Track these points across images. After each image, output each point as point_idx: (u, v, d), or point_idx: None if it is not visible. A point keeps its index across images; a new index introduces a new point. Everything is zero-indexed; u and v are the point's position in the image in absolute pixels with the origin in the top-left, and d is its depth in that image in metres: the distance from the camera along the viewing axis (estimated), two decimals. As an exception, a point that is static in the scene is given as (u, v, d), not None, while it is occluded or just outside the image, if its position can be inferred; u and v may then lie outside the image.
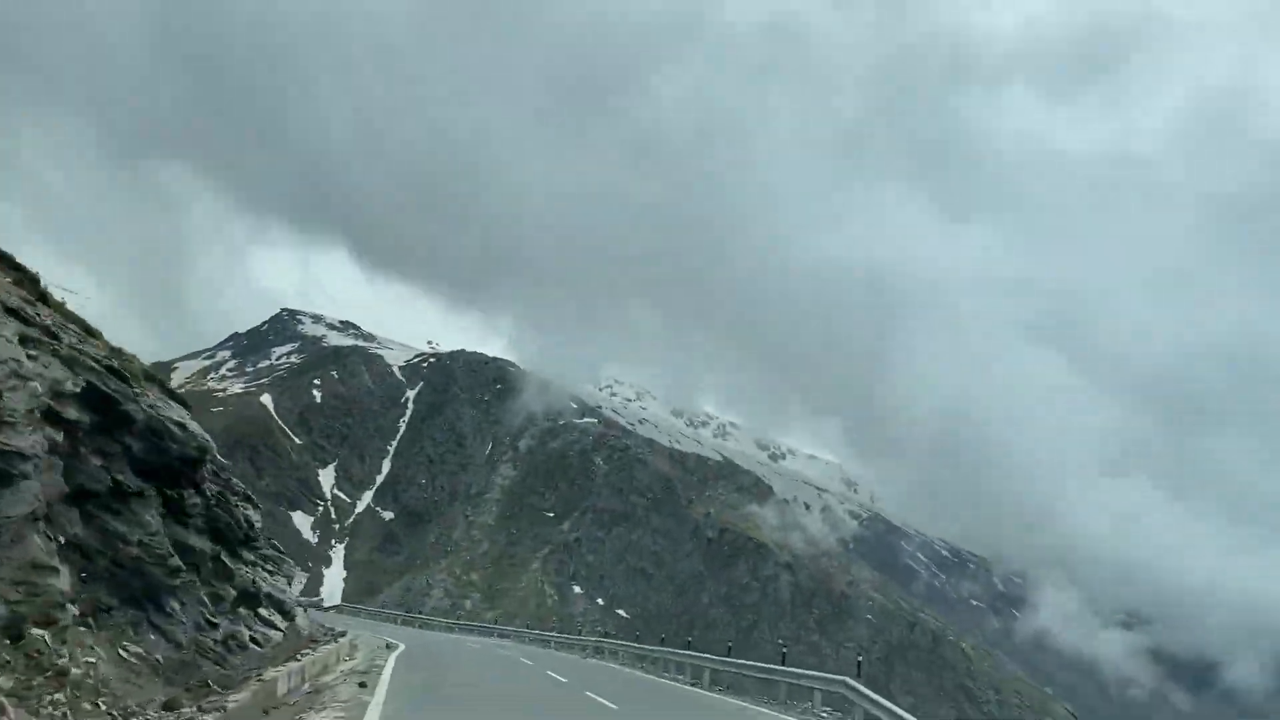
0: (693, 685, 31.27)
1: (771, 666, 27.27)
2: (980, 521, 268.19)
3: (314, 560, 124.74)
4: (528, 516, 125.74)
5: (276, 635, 19.76)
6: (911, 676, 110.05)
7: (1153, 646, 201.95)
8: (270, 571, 22.50)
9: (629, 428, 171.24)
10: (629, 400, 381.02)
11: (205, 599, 15.18)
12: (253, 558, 20.41)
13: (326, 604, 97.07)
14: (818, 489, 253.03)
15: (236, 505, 19.58)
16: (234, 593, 17.01)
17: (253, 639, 17.25)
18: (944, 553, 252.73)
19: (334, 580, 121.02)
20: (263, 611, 19.63)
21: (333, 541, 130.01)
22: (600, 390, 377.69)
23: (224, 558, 16.81)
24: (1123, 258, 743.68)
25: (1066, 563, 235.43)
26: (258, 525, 21.04)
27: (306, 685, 17.39)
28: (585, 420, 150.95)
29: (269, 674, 15.26)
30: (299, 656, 18.96)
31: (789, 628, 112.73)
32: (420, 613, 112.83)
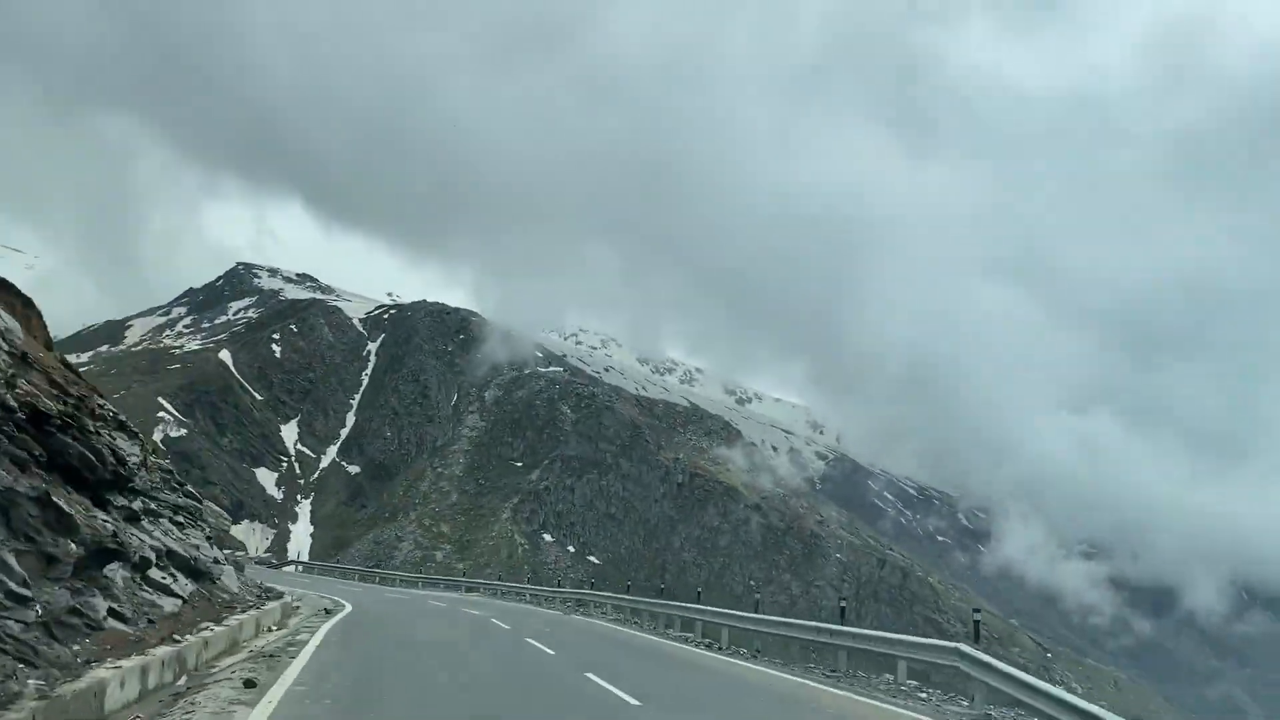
0: (710, 648, 25.50)
1: (858, 631, 21.63)
2: (945, 458, 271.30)
3: (280, 517, 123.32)
4: (496, 467, 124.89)
5: (171, 604, 14.02)
6: (881, 613, 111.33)
7: (1114, 575, 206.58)
8: (180, 523, 18.31)
9: (595, 376, 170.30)
10: (594, 349, 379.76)
11: (9, 560, 9.56)
12: (133, 505, 14.66)
13: (280, 561, 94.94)
14: (785, 431, 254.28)
15: (98, 433, 13.93)
16: (79, 550, 11.14)
17: (116, 613, 11.46)
18: (910, 490, 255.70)
19: (301, 536, 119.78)
20: (155, 575, 13.92)
21: (298, 497, 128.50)
22: (565, 339, 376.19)
23: (60, 501, 11.01)
24: (1082, 193, 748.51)
25: (1030, 495, 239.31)
26: (133, 461, 15.36)
27: (183, 680, 12.16)
28: (551, 369, 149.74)
29: (101, 671, 9.64)
30: (194, 632, 13.81)
31: (760, 569, 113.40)
32: (388, 567, 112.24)
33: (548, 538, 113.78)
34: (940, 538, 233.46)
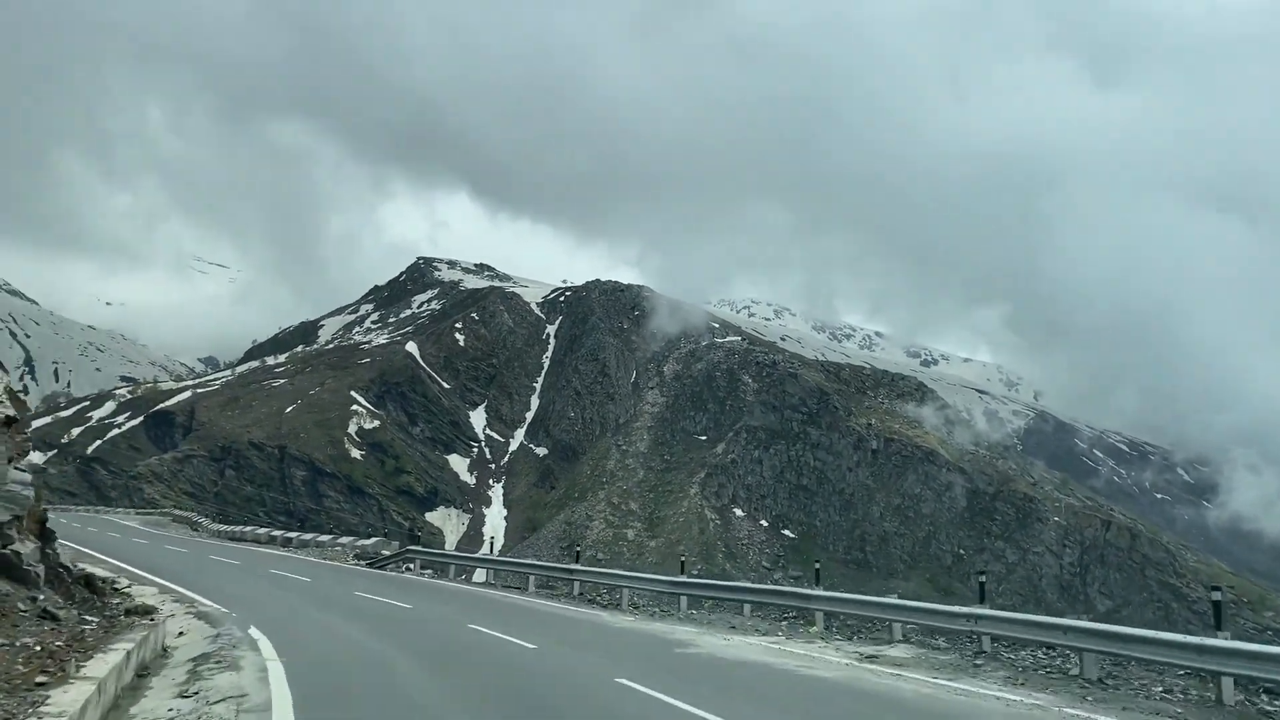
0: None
1: None
2: (1157, 408, 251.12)
3: (474, 501, 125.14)
4: (680, 441, 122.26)
5: None
6: (1110, 579, 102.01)
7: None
8: None
9: (773, 344, 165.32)
10: (767, 320, 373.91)
11: None
12: None
13: (480, 550, 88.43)
14: (978, 391, 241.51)
15: None
16: None
17: None
18: (1120, 445, 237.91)
19: (495, 520, 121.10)
20: None
21: (490, 481, 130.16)
22: (738, 312, 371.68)
23: None
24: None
25: (1258, 442, 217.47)
26: None
27: None
28: (729, 339, 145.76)
29: None
30: None
31: (970, 536, 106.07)
32: (581, 547, 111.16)
33: (738, 512, 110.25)
34: (1159, 494, 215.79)
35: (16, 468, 13.48)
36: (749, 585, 24.14)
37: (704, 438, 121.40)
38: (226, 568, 32.54)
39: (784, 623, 21.86)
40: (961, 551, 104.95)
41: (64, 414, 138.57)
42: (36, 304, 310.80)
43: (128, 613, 14.71)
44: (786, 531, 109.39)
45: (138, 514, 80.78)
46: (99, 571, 24.56)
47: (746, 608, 23.11)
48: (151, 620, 14.12)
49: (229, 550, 43.27)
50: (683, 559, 33.66)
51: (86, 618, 13.38)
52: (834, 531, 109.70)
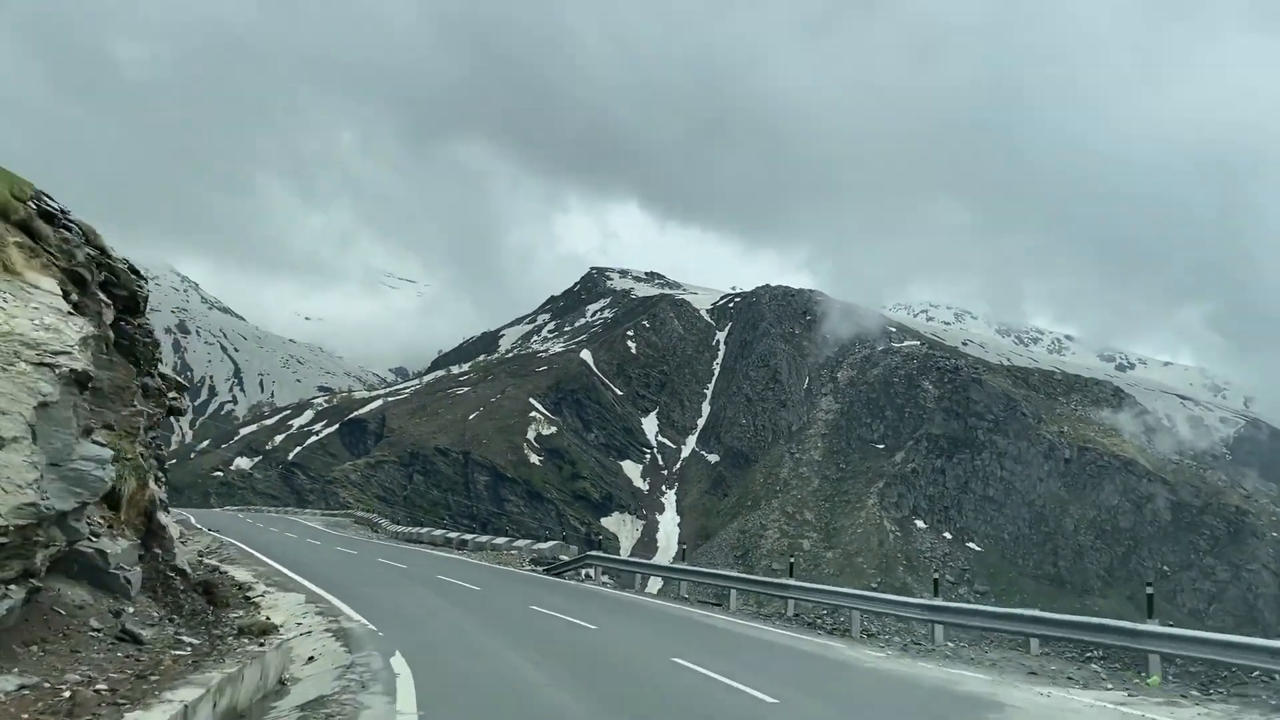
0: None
1: None
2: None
3: (647, 507, 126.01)
4: (856, 450, 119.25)
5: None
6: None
7: None
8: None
9: (954, 349, 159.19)
10: (947, 324, 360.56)
11: None
12: None
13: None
14: (1180, 397, 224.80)
15: None
16: None
17: None
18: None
19: (669, 527, 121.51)
20: None
21: (663, 488, 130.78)
22: (915, 316, 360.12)
23: None
24: None
25: None
26: None
27: None
28: (907, 344, 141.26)
29: None
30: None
31: (1174, 552, 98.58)
32: (754, 556, 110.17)
33: (920, 524, 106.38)
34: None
35: (95, 441, 10.64)
36: (1043, 615, 18.06)
37: (881, 446, 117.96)
38: (390, 572, 30.64)
39: (1094, 666, 17.25)
40: (1165, 568, 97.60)
41: (268, 422, 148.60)
42: (244, 320, 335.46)
43: (241, 632, 12.19)
44: (972, 544, 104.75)
45: (323, 515, 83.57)
46: (241, 575, 23.26)
47: (1033, 643, 17.93)
48: (262, 646, 11.31)
49: (400, 553, 40.92)
50: (935, 577, 26.46)
51: (183, 639, 10.88)
52: (1023, 545, 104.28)
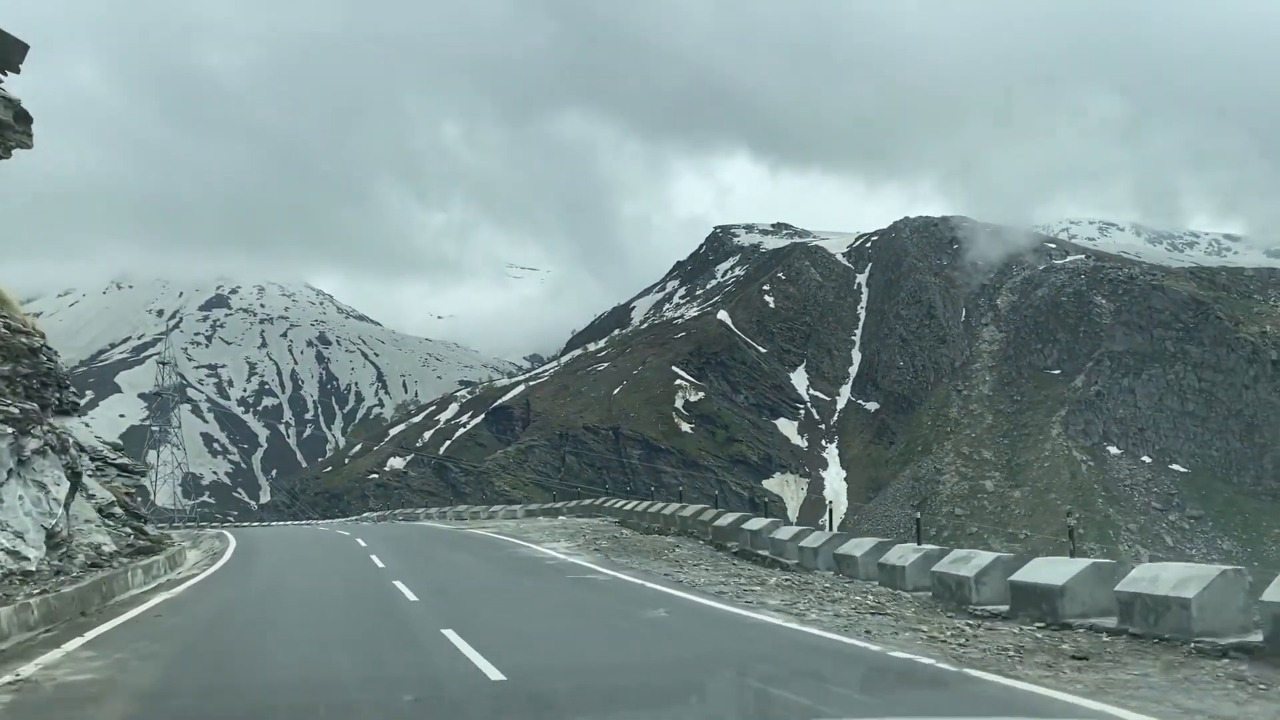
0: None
1: None
2: None
3: (810, 465, 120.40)
4: (1029, 378, 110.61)
5: None
6: None
7: None
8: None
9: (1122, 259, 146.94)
10: (1091, 240, 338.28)
11: None
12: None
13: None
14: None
15: None
16: None
17: None
18: None
19: (835, 482, 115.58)
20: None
21: (823, 443, 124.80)
22: (1056, 235, 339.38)
23: None
24: None
25: None
26: None
27: None
28: (1070, 259, 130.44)
29: None
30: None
31: None
32: (932, 504, 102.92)
33: (1113, 450, 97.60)
34: None
35: None
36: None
37: (1057, 371, 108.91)
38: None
39: None
40: None
41: (415, 420, 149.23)
42: (380, 325, 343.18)
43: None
44: (1176, 466, 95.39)
45: (563, 515, 42.29)
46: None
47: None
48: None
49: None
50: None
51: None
52: (1236, 460, 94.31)
